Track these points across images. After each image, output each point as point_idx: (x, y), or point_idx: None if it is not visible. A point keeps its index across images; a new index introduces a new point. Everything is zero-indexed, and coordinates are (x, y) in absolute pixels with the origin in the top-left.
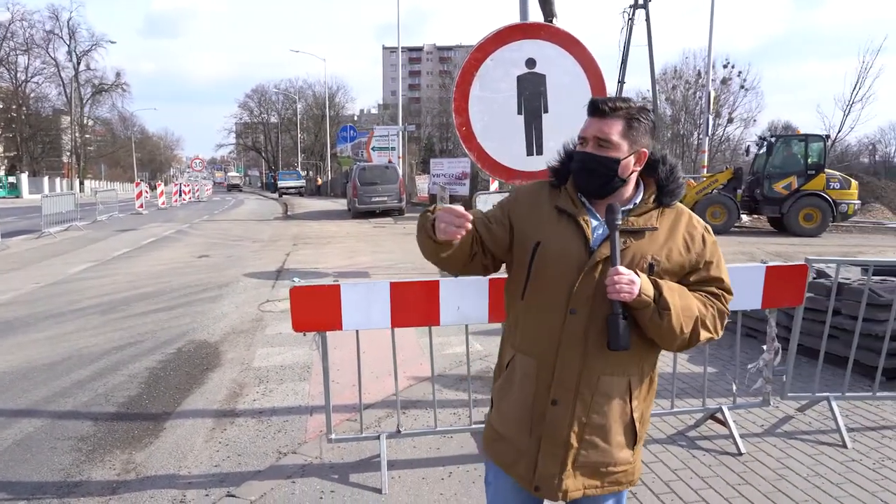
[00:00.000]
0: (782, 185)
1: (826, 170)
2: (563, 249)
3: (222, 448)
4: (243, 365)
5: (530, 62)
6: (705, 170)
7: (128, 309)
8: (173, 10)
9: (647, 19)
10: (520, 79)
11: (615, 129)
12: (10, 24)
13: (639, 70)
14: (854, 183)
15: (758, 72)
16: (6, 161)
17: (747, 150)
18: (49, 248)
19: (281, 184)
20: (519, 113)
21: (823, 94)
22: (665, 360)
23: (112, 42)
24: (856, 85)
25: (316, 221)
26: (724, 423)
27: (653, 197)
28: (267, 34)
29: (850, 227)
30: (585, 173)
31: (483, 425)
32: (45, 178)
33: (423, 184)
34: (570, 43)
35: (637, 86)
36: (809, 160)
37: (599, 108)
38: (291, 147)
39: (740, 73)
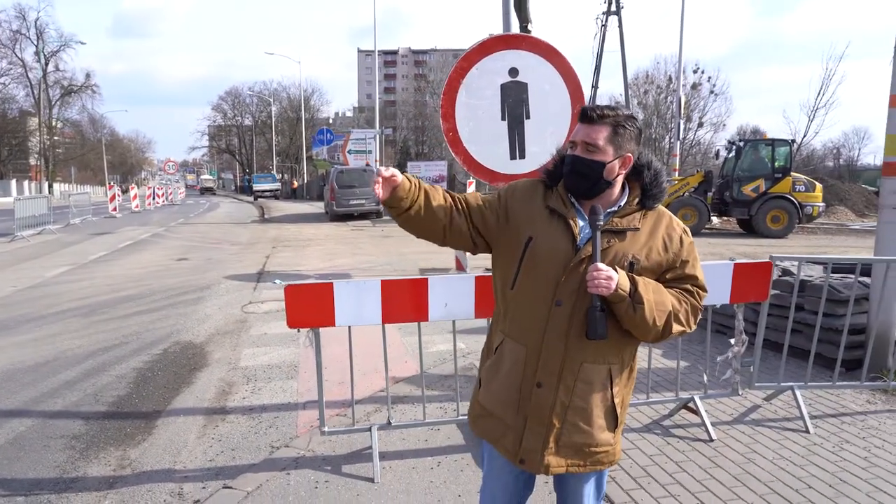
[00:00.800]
0: (750, 187)
1: (792, 173)
2: (553, 246)
3: (216, 443)
4: (230, 364)
5: (513, 71)
6: (677, 173)
7: (110, 311)
8: (143, 9)
9: (620, 26)
10: (503, 87)
11: (602, 135)
12: None
13: (612, 74)
14: (819, 186)
15: (727, 77)
16: None
17: (717, 154)
18: (23, 251)
19: (256, 187)
20: (503, 119)
21: (790, 98)
22: (641, 355)
23: (81, 43)
24: (820, 91)
25: (294, 224)
26: (696, 412)
27: (636, 200)
28: (240, 36)
29: (814, 229)
30: (574, 175)
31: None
32: (13, 181)
33: None
34: (550, 53)
35: (610, 90)
36: (776, 164)
37: (588, 114)
38: (266, 150)
39: (710, 78)
